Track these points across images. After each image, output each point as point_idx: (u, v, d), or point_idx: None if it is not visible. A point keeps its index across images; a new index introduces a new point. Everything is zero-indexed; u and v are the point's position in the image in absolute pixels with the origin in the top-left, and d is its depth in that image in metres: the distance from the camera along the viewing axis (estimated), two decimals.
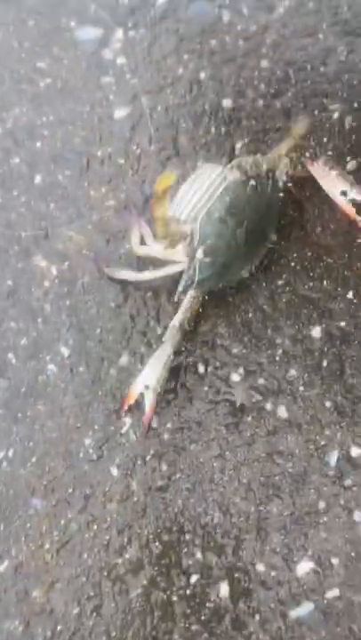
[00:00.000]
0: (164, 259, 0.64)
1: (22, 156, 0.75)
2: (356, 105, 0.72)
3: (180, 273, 0.63)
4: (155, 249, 0.64)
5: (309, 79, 0.74)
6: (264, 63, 0.75)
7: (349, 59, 0.74)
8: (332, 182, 0.64)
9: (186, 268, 0.62)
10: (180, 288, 0.62)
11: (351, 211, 0.64)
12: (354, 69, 0.73)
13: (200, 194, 0.61)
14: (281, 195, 0.65)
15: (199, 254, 0.61)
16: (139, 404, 0.63)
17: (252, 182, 0.61)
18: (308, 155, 0.68)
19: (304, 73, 0.74)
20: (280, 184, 0.64)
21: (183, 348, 0.65)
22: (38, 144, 0.75)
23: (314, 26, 0.75)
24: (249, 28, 0.76)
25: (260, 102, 0.73)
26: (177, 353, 0.64)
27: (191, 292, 0.63)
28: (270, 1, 0.76)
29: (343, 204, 0.65)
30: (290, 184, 0.66)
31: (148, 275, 0.66)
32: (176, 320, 0.63)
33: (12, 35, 0.80)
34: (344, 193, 0.64)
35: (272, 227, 0.66)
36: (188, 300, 0.63)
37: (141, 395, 0.62)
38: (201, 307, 0.65)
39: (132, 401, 0.63)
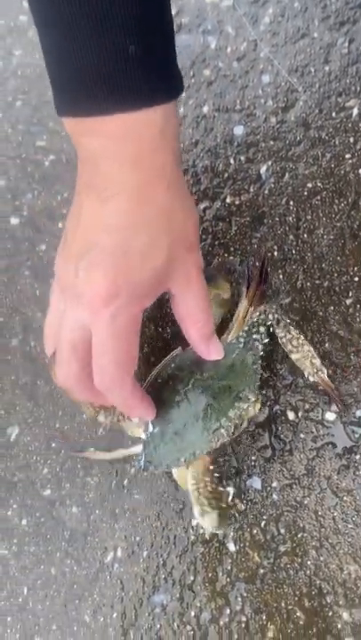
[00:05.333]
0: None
1: (48, 241, 0.72)
2: None
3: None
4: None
5: (317, 82, 0.69)
6: (265, 78, 0.71)
7: (352, 49, 0.69)
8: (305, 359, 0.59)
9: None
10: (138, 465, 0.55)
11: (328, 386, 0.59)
12: (359, 59, 0.69)
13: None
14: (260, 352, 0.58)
15: (150, 427, 0.54)
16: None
17: None
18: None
19: (309, 77, 0.70)
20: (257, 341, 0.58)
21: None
22: (60, 224, 0.72)
23: (306, 26, 0.71)
24: (239, 46, 0.72)
25: (273, 120, 0.69)
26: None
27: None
28: (254, 12, 0.72)
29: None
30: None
31: (117, 453, 0.60)
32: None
33: (2, 121, 0.77)
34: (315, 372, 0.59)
35: (246, 384, 0.56)
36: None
37: None
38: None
39: None
